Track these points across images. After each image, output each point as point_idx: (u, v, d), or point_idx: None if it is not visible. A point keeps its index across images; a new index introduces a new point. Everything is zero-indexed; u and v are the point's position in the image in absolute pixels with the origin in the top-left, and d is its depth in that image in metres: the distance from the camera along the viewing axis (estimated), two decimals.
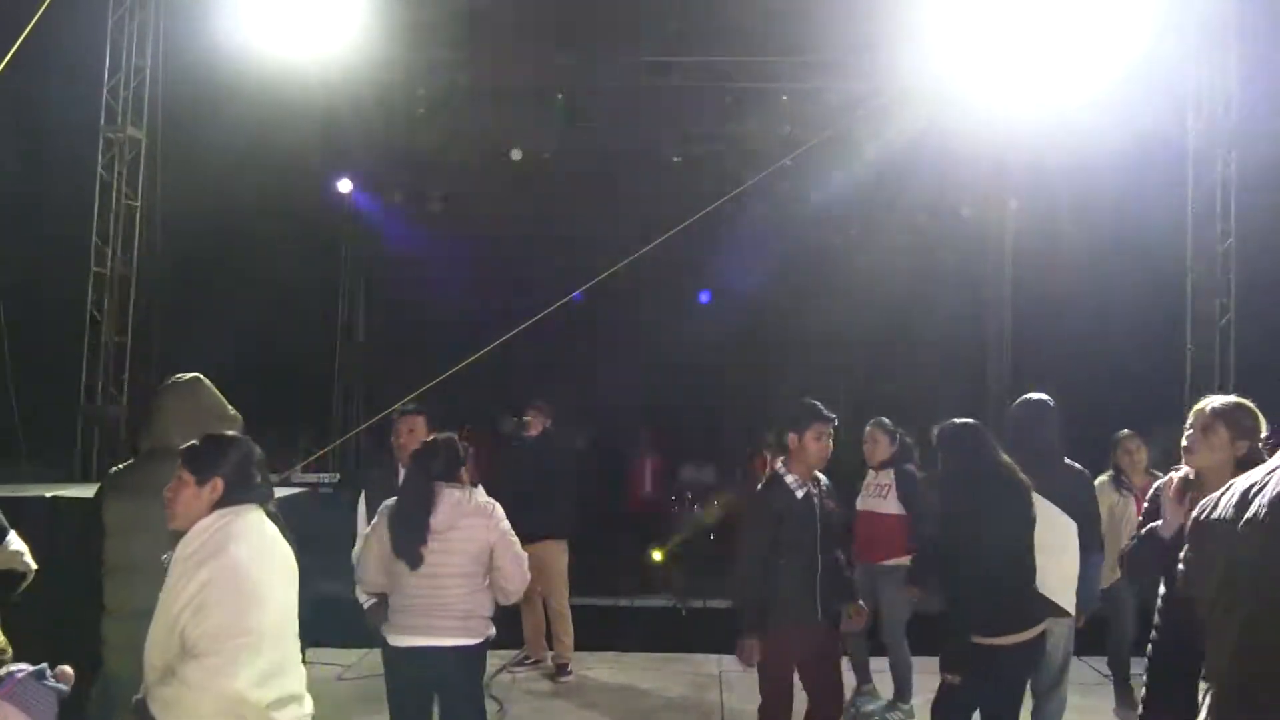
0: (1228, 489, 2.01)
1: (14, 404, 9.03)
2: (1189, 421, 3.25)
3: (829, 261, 12.75)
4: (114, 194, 9.19)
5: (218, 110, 9.62)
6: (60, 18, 7.38)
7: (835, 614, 4.38)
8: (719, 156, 12.28)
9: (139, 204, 9.31)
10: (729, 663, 6.87)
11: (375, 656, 6.74)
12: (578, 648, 6.68)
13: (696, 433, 12.44)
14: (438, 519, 3.86)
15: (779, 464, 4.30)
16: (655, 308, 13.16)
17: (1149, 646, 3.58)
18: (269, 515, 2.90)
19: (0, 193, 9.13)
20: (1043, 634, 3.99)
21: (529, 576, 4.06)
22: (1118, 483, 5.73)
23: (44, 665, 2.55)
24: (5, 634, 4.48)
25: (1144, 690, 3.58)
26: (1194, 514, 2.14)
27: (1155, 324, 9.34)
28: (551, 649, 6.67)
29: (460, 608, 3.88)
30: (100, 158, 9.17)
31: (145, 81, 9.25)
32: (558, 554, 6.59)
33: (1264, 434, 3.21)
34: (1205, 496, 3.05)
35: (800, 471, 4.23)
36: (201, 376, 3.80)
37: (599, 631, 7.62)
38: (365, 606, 4.47)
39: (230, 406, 3.82)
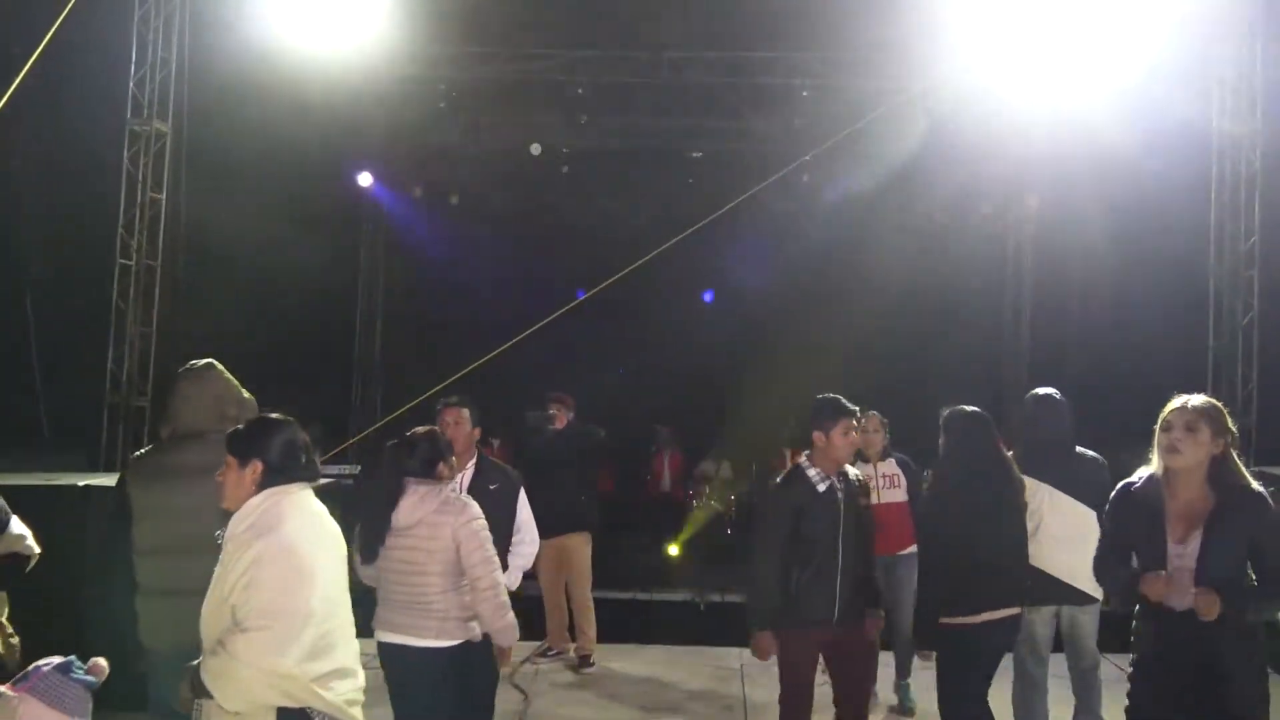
0: None
1: (40, 395, 9.13)
2: (1169, 422, 3.22)
3: (848, 258, 12.73)
4: (139, 187, 9.26)
5: (241, 104, 9.69)
6: (86, 12, 7.45)
7: (860, 612, 4.19)
8: (739, 152, 12.30)
9: (164, 197, 9.39)
10: (750, 656, 6.90)
11: None
12: (598, 640, 6.72)
13: (714, 428, 12.47)
14: (400, 515, 3.77)
15: (802, 457, 4.21)
16: (673, 302, 13.21)
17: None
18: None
19: (27, 186, 9.23)
20: (1018, 614, 4.19)
21: (498, 581, 3.82)
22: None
23: (72, 658, 2.56)
24: (33, 621, 4.56)
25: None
26: None
27: (1177, 321, 9.31)
28: (574, 641, 6.71)
29: (436, 607, 3.75)
30: (125, 151, 9.24)
31: (170, 75, 9.31)
32: (581, 547, 6.62)
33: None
34: (1181, 502, 3.18)
35: (825, 466, 4.14)
36: (214, 362, 3.85)
37: (618, 625, 7.69)
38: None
39: (244, 390, 3.88)
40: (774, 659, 4.22)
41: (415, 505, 3.79)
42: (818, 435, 4.13)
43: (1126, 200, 9.56)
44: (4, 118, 6.50)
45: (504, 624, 3.84)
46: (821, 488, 4.11)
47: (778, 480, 4.29)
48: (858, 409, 4.25)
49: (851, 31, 10.36)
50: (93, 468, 8.77)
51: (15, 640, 4.40)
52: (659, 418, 11.73)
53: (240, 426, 2.96)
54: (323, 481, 4.06)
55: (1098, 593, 4.36)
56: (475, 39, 11.01)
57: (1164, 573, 3.16)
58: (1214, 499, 3.19)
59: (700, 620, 8.40)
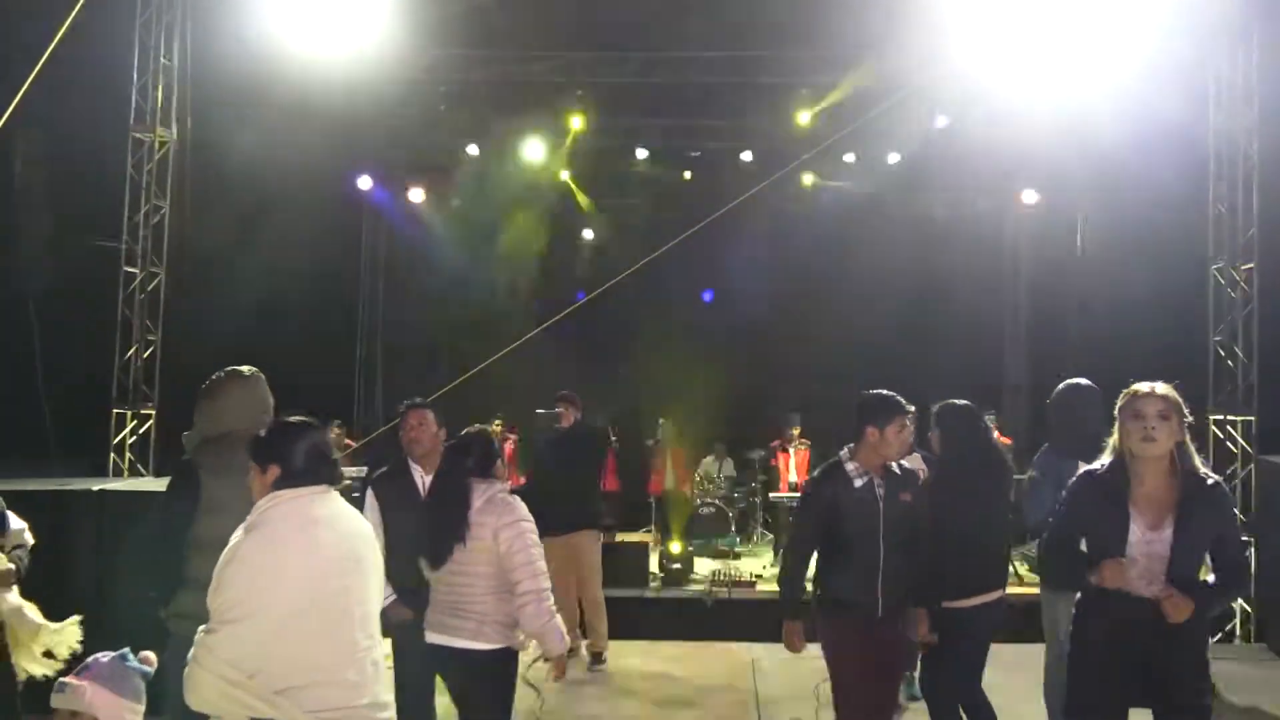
0: None
1: (46, 403, 9.15)
2: (1140, 410, 3.22)
3: (846, 255, 12.80)
4: (143, 194, 9.29)
5: (243, 109, 9.73)
6: (88, 20, 7.48)
7: (899, 610, 4.11)
8: (737, 151, 12.36)
9: (167, 203, 9.42)
10: (761, 650, 6.97)
11: None
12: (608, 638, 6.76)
13: (716, 425, 12.52)
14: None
15: (843, 451, 4.10)
16: (674, 301, 13.25)
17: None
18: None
19: (32, 194, 9.25)
20: (1003, 597, 4.40)
21: (544, 585, 3.74)
22: None
23: (125, 650, 2.67)
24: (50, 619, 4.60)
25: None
26: None
27: (1176, 315, 9.37)
28: (586, 638, 6.75)
29: (477, 609, 3.73)
30: (129, 158, 9.27)
31: (173, 82, 9.34)
32: (591, 545, 6.66)
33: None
34: (1148, 489, 3.20)
35: (868, 462, 4.04)
36: (258, 371, 4.01)
37: (627, 622, 7.74)
38: (384, 605, 4.48)
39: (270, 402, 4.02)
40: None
41: (476, 506, 3.78)
42: (871, 430, 4.03)
43: (1124, 195, 9.62)
44: (8, 126, 6.53)
45: (546, 628, 3.71)
46: (858, 483, 4.03)
47: (815, 474, 4.23)
48: (912, 407, 4.17)
49: (850, 30, 10.41)
50: (98, 475, 8.80)
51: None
52: (662, 415, 11.77)
53: (259, 433, 2.94)
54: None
55: None
56: (474, 42, 11.05)
57: (1124, 559, 3.16)
58: (1179, 487, 3.21)
59: (709, 617, 8.43)
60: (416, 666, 4.49)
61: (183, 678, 2.59)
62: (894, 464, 4.15)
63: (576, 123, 11.72)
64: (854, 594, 4.04)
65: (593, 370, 11.32)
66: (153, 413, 9.31)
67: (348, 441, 11.55)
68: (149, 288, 9.41)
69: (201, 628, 2.61)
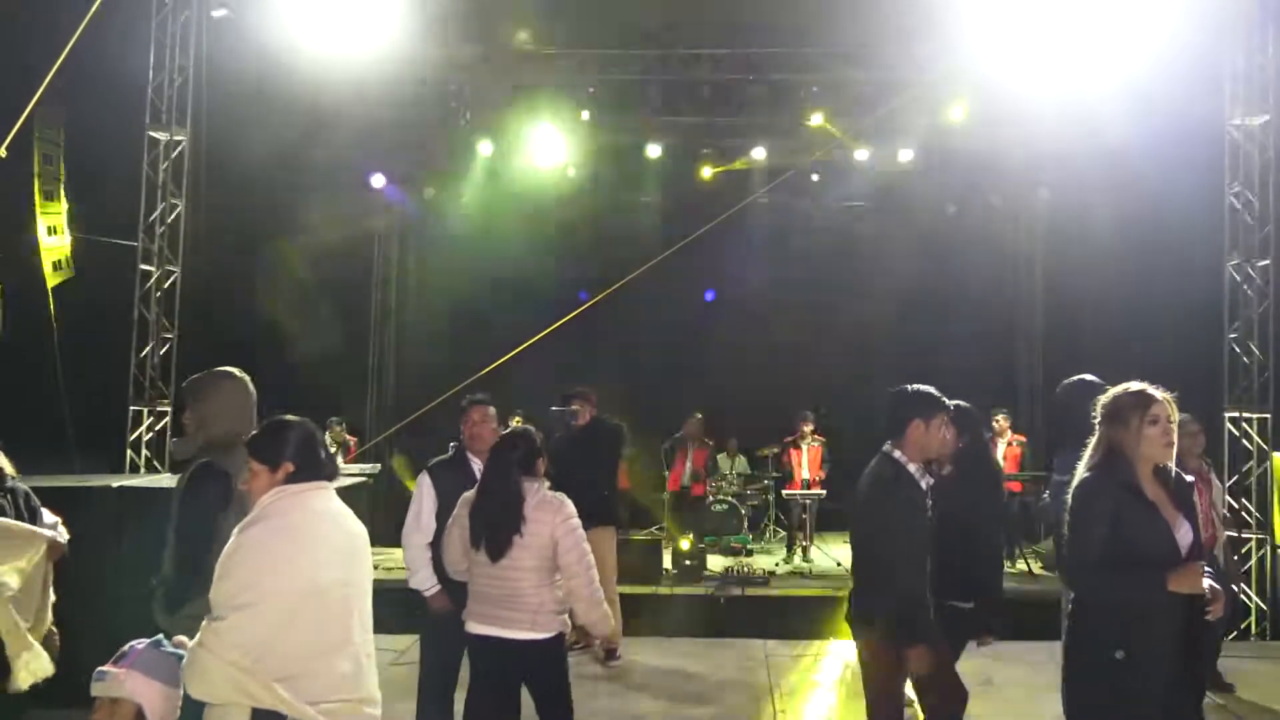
0: None
1: (64, 400, 9.22)
2: (1157, 415, 3.13)
3: (859, 252, 12.79)
4: (159, 193, 9.36)
5: (256, 109, 9.78)
6: (104, 21, 7.55)
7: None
8: (749, 149, 12.36)
9: (183, 202, 9.49)
10: (774, 646, 6.99)
11: None
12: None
13: (729, 423, 12.52)
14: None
15: (896, 453, 3.86)
16: (684, 297, 13.27)
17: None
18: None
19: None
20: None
21: (595, 578, 3.95)
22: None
23: (159, 636, 2.74)
24: (71, 619, 4.65)
25: None
26: None
27: (1191, 311, 9.32)
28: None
29: (531, 601, 3.86)
30: (145, 157, 9.34)
31: (188, 82, 9.41)
32: (607, 541, 6.67)
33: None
34: (1149, 489, 3.12)
35: (917, 460, 3.88)
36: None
37: (641, 618, 7.77)
38: (427, 594, 4.55)
39: None
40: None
41: (528, 502, 3.89)
42: (916, 424, 3.85)
43: (1139, 191, 9.56)
44: (26, 125, 6.60)
45: (599, 615, 3.99)
46: (923, 485, 3.85)
47: (888, 479, 3.84)
48: (952, 405, 4.05)
49: (861, 27, 10.40)
50: (116, 471, 8.88)
51: (57, 639, 4.49)
52: (677, 412, 11.77)
53: (258, 434, 2.95)
54: (351, 481, 4.09)
55: None
56: (485, 40, 11.09)
57: (1197, 564, 3.04)
58: (1165, 484, 3.18)
59: (722, 613, 8.45)
60: (444, 659, 4.58)
61: (184, 666, 2.61)
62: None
63: (587, 119, 11.73)
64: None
65: (606, 368, 11.34)
66: (169, 409, 9.38)
67: (348, 438, 11.61)
68: (165, 286, 9.48)
69: (207, 617, 2.63)
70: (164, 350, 9.47)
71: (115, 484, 5.80)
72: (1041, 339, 13.42)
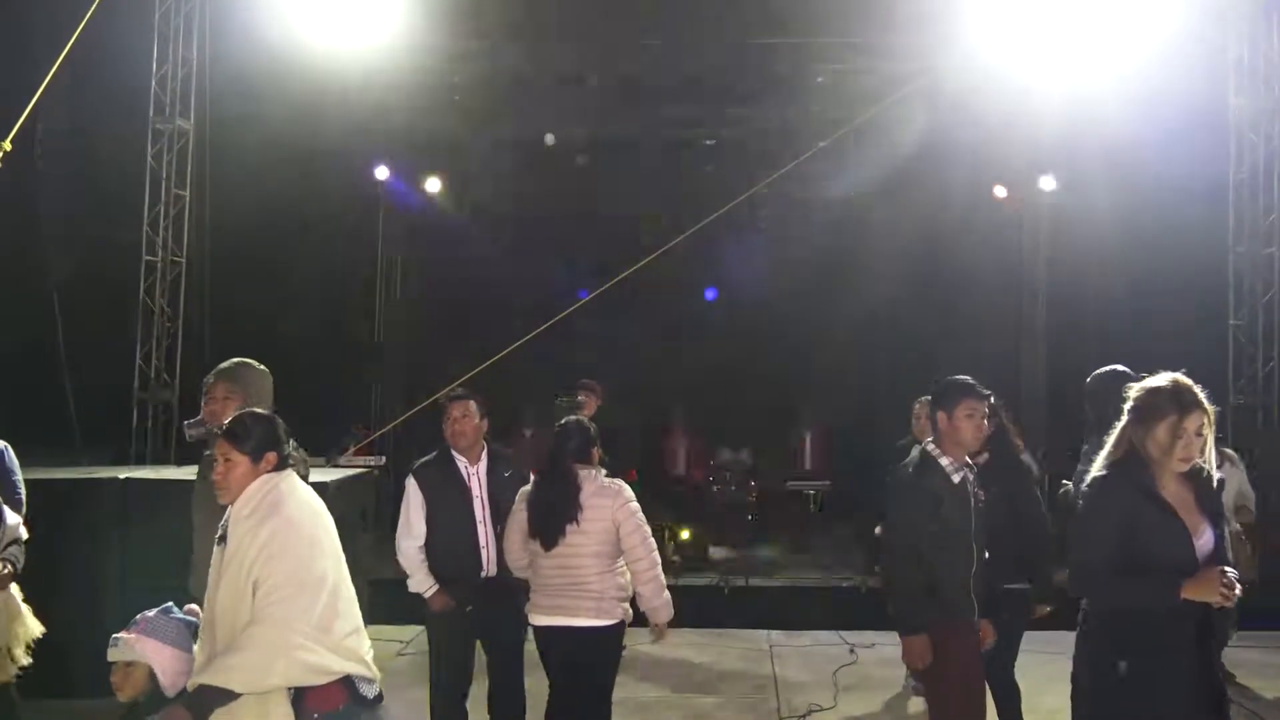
0: None
1: (69, 391, 9.26)
2: (1198, 431, 2.92)
3: (863, 243, 12.77)
4: (163, 184, 9.37)
5: (260, 100, 9.77)
6: (108, 12, 7.53)
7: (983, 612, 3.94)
8: (754, 139, 12.33)
9: (188, 193, 9.50)
10: (778, 637, 7.02)
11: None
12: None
13: (732, 414, 12.54)
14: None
15: (929, 445, 3.85)
16: (690, 289, 13.27)
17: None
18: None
19: (53, 185, 9.33)
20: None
21: (658, 560, 4.10)
22: None
23: (169, 604, 2.92)
24: (79, 610, 4.68)
25: None
26: None
27: (1196, 300, 9.32)
28: None
29: (594, 588, 3.97)
30: (150, 148, 9.35)
31: (192, 73, 9.42)
32: None
33: None
34: (1170, 490, 2.93)
35: (954, 454, 3.80)
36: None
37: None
38: (427, 595, 4.51)
39: None
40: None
41: (585, 490, 4.02)
42: (941, 416, 3.82)
43: (1143, 180, 9.54)
44: (29, 117, 6.59)
45: (662, 601, 4.12)
46: (956, 478, 3.79)
47: (910, 469, 3.87)
48: (989, 393, 3.94)
49: (865, 16, 10.36)
50: (121, 462, 8.90)
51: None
52: (678, 403, 11.79)
53: (237, 425, 3.02)
54: (356, 472, 4.14)
55: None
56: (488, 31, 11.06)
57: (1214, 569, 2.83)
58: (1189, 486, 2.98)
59: (726, 604, 8.46)
60: (455, 657, 4.57)
61: (234, 668, 2.65)
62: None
63: (590, 111, 11.70)
64: (956, 595, 3.78)
65: (609, 360, 11.33)
66: (174, 401, 9.41)
67: (362, 430, 11.60)
68: (170, 277, 9.50)
69: (260, 601, 2.73)
70: (168, 342, 9.48)
71: (122, 476, 5.82)
72: (1045, 329, 13.39)
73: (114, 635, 2.79)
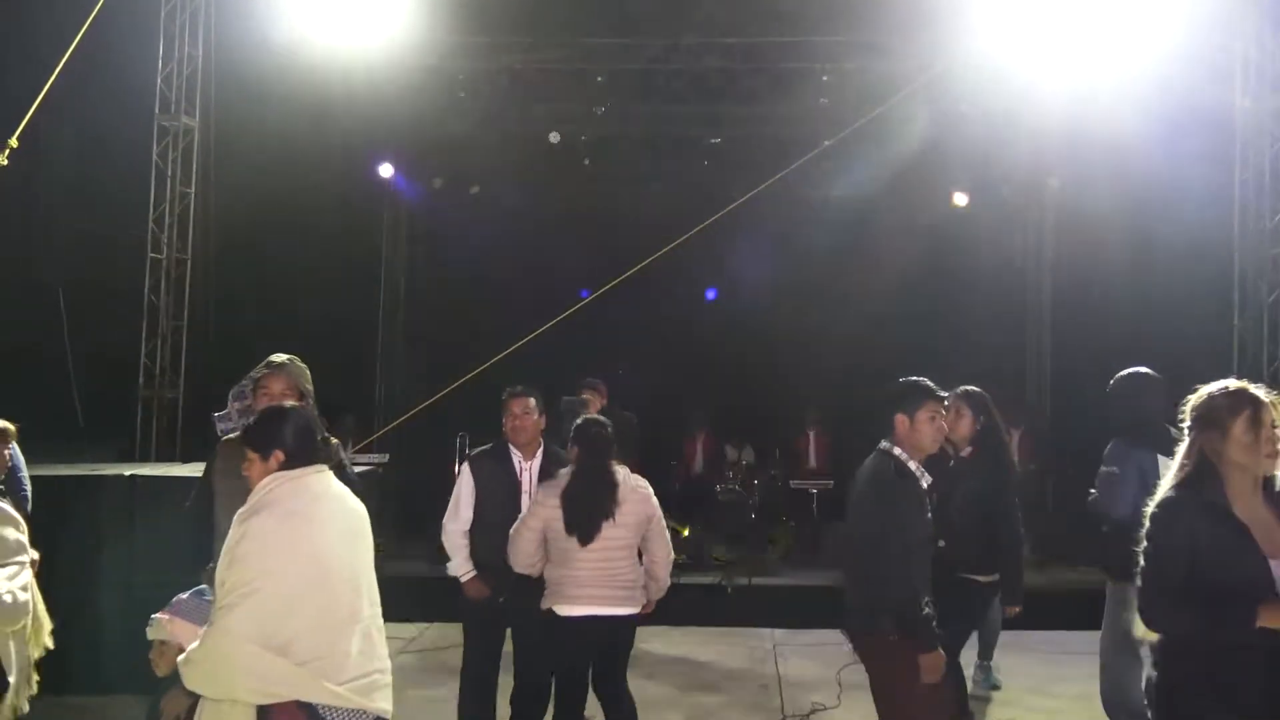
0: None
1: (75, 388, 9.28)
2: (1266, 418, 2.80)
3: (868, 242, 12.74)
4: (169, 181, 9.39)
5: (265, 98, 9.79)
6: (113, 10, 7.54)
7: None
8: (759, 138, 12.32)
9: (193, 191, 9.51)
10: (782, 635, 7.02)
11: (436, 631, 6.97)
12: None
13: (735, 413, 12.53)
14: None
15: (895, 450, 3.69)
16: (693, 287, 13.26)
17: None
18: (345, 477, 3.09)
19: (59, 183, 9.36)
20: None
21: (673, 556, 4.44)
22: None
23: (203, 586, 2.97)
24: (85, 604, 4.69)
25: None
26: None
27: (1201, 300, 9.30)
28: None
29: (627, 578, 4.24)
30: (155, 146, 9.36)
31: (197, 71, 9.43)
32: None
33: None
34: (1244, 509, 2.76)
35: (917, 458, 3.69)
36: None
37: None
38: (464, 579, 4.66)
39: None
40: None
41: (620, 486, 4.23)
42: (900, 419, 3.69)
43: (1149, 179, 9.53)
44: (35, 115, 6.60)
45: (665, 590, 4.50)
46: (925, 483, 3.68)
47: (891, 477, 3.66)
48: (946, 394, 3.88)
49: (870, 15, 10.35)
50: (126, 459, 8.93)
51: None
52: (686, 402, 11.79)
53: (251, 422, 3.02)
54: (359, 470, 4.17)
55: None
56: (493, 29, 11.05)
57: None
58: (1269, 503, 2.79)
59: (730, 603, 8.47)
60: (486, 645, 4.70)
61: (191, 664, 2.63)
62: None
63: (595, 109, 11.71)
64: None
65: (614, 359, 11.33)
66: (179, 398, 9.42)
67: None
68: (175, 274, 9.51)
69: (216, 610, 2.66)
70: (173, 339, 9.50)
71: (128, 473, 5.83)
72: (1050, 329, 13.38)
73: (153, 615, 2.89)
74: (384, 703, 2.81)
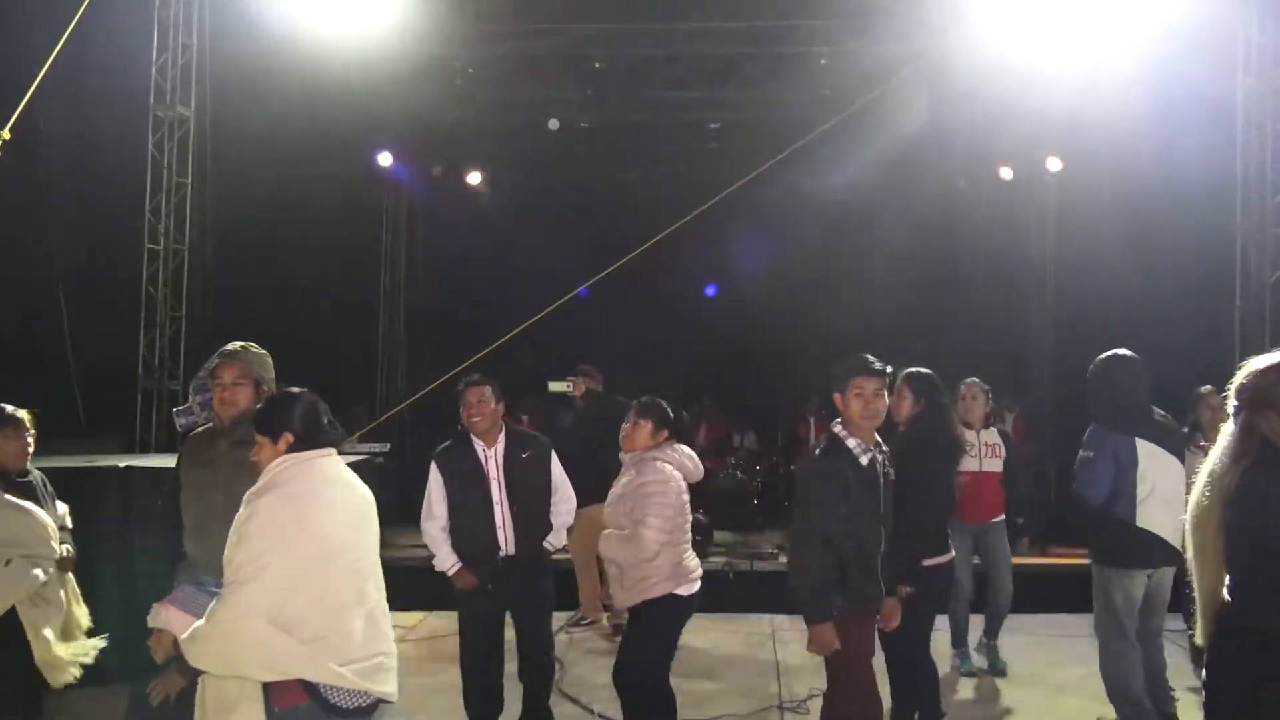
0: None
1: (74, 380, 9.28)
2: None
3: (869, 224, 12.69)
4: (165, 172, 9.36)
5: (262, 87, 9.75)
6: None
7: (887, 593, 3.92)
8: (757, 122, 12.26)
9: (189, 181, 9.48)
10: (781, 621, 7.01)
11: (435, 620, 6.98)
12: None
13: (736, 399, 12.52)
14: None
15: (836, 427, 3.76)
16: (694, 273, 13.23)
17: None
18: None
19: (55, 174, 9.33)
20: (951, 560, 4.57)
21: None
22: (1192, 438, 5.69)
23: (207, 577, 2.97)
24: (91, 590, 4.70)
25: None
26: None
27: (1203, 281, 9.24)
28: (607, 610, 6.81)
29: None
30: (151, 136, 9.33)
31: (192, 60, 9.39)
32: None
33: None
34: None
35: (860, 435, 3.71)
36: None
37: None
38: (451, 573, 4.68)
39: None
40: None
41: None
42: (835, 396, 3.75)
43: (1150, 161, 9.47)
44: (29, 107, 6.57)
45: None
46: (864, 460, 3.70)
47: (817, 452, 3.78)
48: (886, 368, 3.79)
49: None
50: (128, 451, 8.93)
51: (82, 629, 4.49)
52: (687, 389, 11.76)
53: (263, 407, 3.04)
54: (357, 458, 4.14)
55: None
56: (490, 15, 11.00)
57: None
58: None
59: (730, 588, 8.47)
60: (484, 632, 4.74)
61: (196, 641, 2.67)
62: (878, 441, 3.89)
63: (594, 95, 11.65)
64: (861, 579, 3.73)
65: (614, 347, 11.31)
66: (179, 389, 9.42)
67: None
68: (173, 265, 9.50)
69: (221, 589, 2.70)
70: (172, 330, 9.49)
71: (123, 464, 5.84)
72: (1052, 311, 13.33)
73: (154, 604, 2.90)
74: (388, 685, 2.85)
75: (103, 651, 4.44)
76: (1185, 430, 5.76)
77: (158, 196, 9.35)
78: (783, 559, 9.16)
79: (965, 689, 5.70)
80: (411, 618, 6.86)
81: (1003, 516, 5.87)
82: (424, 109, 12.27)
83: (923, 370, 4.67)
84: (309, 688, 2.70)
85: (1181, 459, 4.61)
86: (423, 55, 11.15)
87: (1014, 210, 13.28)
